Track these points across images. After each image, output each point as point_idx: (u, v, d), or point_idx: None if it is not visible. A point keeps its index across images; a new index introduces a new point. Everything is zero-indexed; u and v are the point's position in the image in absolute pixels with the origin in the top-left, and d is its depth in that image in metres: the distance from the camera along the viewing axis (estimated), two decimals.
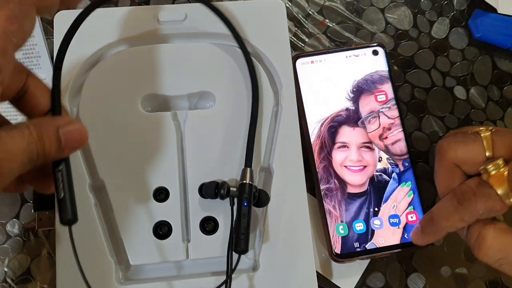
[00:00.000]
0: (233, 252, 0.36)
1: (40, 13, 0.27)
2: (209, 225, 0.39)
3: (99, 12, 0.41)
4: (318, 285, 0.39)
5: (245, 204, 0.36)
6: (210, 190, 0.37)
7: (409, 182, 0.42)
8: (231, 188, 0.37)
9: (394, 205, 0.41)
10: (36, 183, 0.30)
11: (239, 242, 0.36)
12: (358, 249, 0.40)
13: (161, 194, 0.39)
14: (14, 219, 0.41)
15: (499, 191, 0.32)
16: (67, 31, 0.32)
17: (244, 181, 0.37)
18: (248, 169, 0.38)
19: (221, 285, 0.36)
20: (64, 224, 0.29)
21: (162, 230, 0.38)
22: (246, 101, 0.41)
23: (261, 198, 0.38)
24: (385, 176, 0.41)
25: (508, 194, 0.32)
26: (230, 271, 0.36)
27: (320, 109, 0.42)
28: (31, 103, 0.29)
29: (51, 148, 0.27)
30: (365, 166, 0.42)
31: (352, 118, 0.42)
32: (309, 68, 0.43)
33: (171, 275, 0.39)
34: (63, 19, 0.41)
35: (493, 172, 0.33)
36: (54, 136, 0.27)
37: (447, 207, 0.35)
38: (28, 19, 0.26)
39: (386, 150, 0.42)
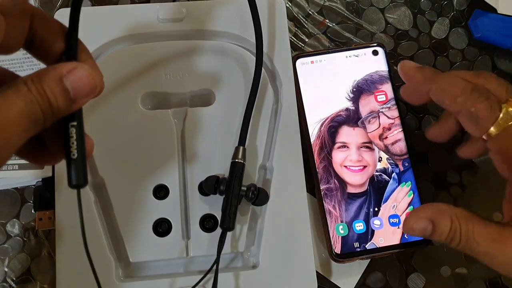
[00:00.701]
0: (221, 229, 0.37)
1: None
2: (209, 223, 0.39)
3: (99, 10, 0.42)
4: (318, 285, 0.39)
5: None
6: (210, 184, 0.37)
7: (409, 182, 0.42)
8: None
9: (394, 205, 0.41)
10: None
11: (225, 219, 0.36)
12: (358, 249, 0.40)
13: (161, 192, 0.39)
14: (14, 219, 0.41)
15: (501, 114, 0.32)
16: None
17: (236, 160, 0.37)
18: (241, 147, 0.38)
19: (212, 266, 0.36)
20: (74, 188, 0.26)
21: (162, 227, 0.38)
22: (245, 99, 0.41)
23: (260, 197, 0.38)
24: (385, 176, 0.41)
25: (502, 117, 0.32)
26: (219, 249, 0.37)
27: (320, 109, 0.42)
28: (43, 48, 0.26)
29: (59, 102, 0.23)
30: (365, 166, 0.42)
31: (352, 118, 0.42)
32: (309, 68, 0.43)
33: (171, 272, 0.39)
34: (63, 18, 0.41)
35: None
36: (58, 87, 0.23)
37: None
38: None
39: (386, 150, 0.42)
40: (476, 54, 0.47)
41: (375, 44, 0.44)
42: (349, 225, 0.40)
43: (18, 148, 0.23)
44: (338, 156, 0.42)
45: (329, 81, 0.43)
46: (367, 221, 0.40)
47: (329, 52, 0.44)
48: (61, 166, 0.38)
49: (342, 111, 0.42)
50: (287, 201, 0.39)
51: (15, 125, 0.22)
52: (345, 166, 0.41)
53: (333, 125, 0.42)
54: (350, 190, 0.41)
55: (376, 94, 0.43)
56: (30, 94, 0.23)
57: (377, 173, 0.41)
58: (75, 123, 0.25)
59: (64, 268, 0.37)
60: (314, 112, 0.42)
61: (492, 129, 0.33)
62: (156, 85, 0.41)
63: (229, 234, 0.38)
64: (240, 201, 0.37)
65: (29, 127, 0.23)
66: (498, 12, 0.45)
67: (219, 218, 0.38)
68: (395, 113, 0.43)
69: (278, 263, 0.38)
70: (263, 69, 0.42)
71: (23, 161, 0.39)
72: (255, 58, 0.42)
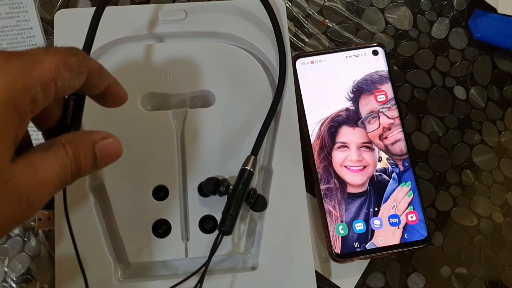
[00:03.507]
0: (218, 231, 0.37)
1: (86, 85, 0.26)
2: (208, 224, 0.39)
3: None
4: (318, 285, 0.39)
5: (241, 188, 0.37)
6: (210, 185, 0.37)
7: (409, 182, 0.42)
8: (230, 187, 0.37)
9: (394, 205, 0.41)
10: None
11: (224, 222, 0.36)
12: (358, 249, 0.40)
13: (161, 193, 0.39)
14: None
15: None
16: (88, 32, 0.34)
17: (246, 167, 0.37)
18: (253, 157, 0.38)
19: (202, 266, 0.36)
20: None
21: (161, 228, 0.38)
22: (245, 100, 0.41)
23: (259, 203, 0.38)
24: (385, 176, 0.41)
25: None
26: (212, 251, 0.36)
27: (320, 109, 0.42)
28: (43, 116, 0.28)
29: (87, 166, 0.26)
30: (365, 166, 0.42)
31: (352, 118, 0.42)
32: (309, 68, 0.43)
33: (170, 273, 0.39)
34: (63, 19, 0.41)
35: None
36: (90, 152, 0.26)
37: None
38: (78, 78, 0.25)
39: (386, 150, 0.42)
40: (476, 54, 0.47)
41: (375, 44, 0.44)
42: (349, 225, 0.40)
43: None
44: (338, 156, 0.42)
45: (329, 81, 0.43)
46: (367, 221, 0.40)
47: (329, 52, 0.44)
48: None
49: (342, 111, 0.42)
50: (287, 201, 0.39)
51: (50, 187, 0.24)
52: (345, 166, 0.41)
53: (333, 125, 0.42)
54: (350, 190, 0.41)
55: (376, 94, 0.43)
56: (66, 158, 0.24)
57: (377, 173, 0.41)
58: (75, 97, 0.28)
59: (63, 268, 0.37)
60: (314, 112, 0.42)
61: None
62: (156, 86, 0.41)
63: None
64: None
65: (58, 188, 0.25)
66: (498, 12, 0.45)
67: (218, 220, 0.38)
68: (395, 113, 0.43)
69: (278, 264, 0.38)
70: (262, 68, 0.42)
71: None
72: (255, 59, 0.42)
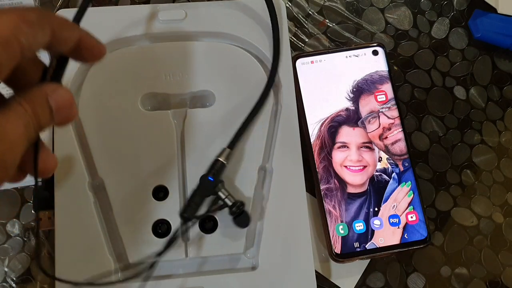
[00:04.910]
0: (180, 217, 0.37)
1: (56, 39, 0.26)
2: (208, 224, 0.39)
3: (99, 11, 0.42)
4: (318, 285, 0.39)
5: (210, 178, 0.37)
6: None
7: (409, 182, 0.42)
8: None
9: (394, 205, 0.41)
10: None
11: (187, 208, 0.36)
12: (358, 249, 0.40)
13: (161, 193, 0.39)
14: (14, 219, 0.41)
15: None
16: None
17: (219, 158, 0.37)
18: (228, 149, 0.38)
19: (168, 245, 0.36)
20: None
21: (161, 228, 0.38)
22: (245, 100, 0.41)
23: (242, 217, 0.38)
24: (385, 176, 0.41)
25: None
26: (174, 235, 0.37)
27: (320, 109, 0.42)
28: (22, 78, 0.27)
29: (45, 120, 0.26)
30: (365, 166, 0.42)
31: (352, 118, 0.42)
32: (309, 68, 0.43)
33: (170, 273, 0.39)
34: None
35: None
36: (46, 105, 0.25)
37: None
38: (42, 33, 0.25)
39: (386, 150, 0.42)
40: (476, 54, 0.47)
41: (375, 44, 0.44)
42: (349, 225, 0.40)
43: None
44: (338, 156, 0.42)
45: (329, 81, 0.43)
46: (367, 221, 0.40)
47: (329, 52, 0.44)
48: (61, 167, 0.38)
49: (342, 111, 0.42)
50: (287, 201, 0.39)
51: (20, 146, 0.24)
52: (345, 166, 0.41)
53: (333, 125, 0.42)
54: (350, 190, 0.41)
55: (376, 94, 0.43)
56: (27, 115, 0.24)
57: (377, 173, 0.41)
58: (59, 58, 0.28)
59: (63, 267, 0.37)
60: (314, 112, 0.42)
61: None
62: (156, 86, 0.41)
63: (228, 235, 0.38)
64: (219, 207, 0.37)
65: (26, 146, 0.25)
66: (498, 12, 0.45)
67: (218, 220, 0.38)
68: (395, 113, 0.43)
69: (278, 264, 0.38)
70: (262, 69, 0.42)
71: None
72: (255, 59, 0.42)
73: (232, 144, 0.38)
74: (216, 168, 0.37)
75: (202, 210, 0.39)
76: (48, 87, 0.26)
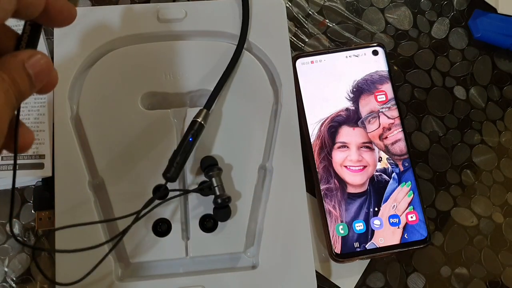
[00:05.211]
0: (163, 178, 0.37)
1: (21, 5, 0.25)
2: (208, 223, 0.39)
3: (99, 10, 0.42)
4: (318, 285, 0.39)
5: (190, 139, 0.37)
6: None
7: (409, 182, 0.42)
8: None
9: (394, 205, 0.41)
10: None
11: (170, 169, 0.36)
12: (358, 249, 0.40)
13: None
14: (14, 219, 0.41)
15: None
16: None
17: (197, 119, 0.38)
18: (205, 110, 0.39)
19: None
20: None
21: (161, 227, 0.38)
22: (245, 99, 0.41)
23: (223, 210, 0.38)
24: (385, 176, 0.41)
25: None
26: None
27: (320, 109, 0.42)
28: None
29: (25, 88, 0.25)
30: (365, 166, 0.42)
31: (352, 118, 0.42)
32: (309, 68, 0.43)
33: (170, 272, 0.39)
34: None
35: None
36: (24, 72, 0.25)
37: None
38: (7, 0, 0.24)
39: (386, 150, 0.42)
40: (476, 54, 0.47)
41: (375, 44, 0.44)
42: (349, 225, 0.40)
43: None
44: (338, 156, 0.42)
45: (329, 81, 0.43)
46: (367, 221, 0.40)
47: (329, 52, 0.44)
48: (61, 167, 0.38)
49: (342, 111, 0.42)
50: (287, 201, 0.39)
51: (5, 116, 0.24)
52: (345, 166, 0.41)
53: (333, 125, 0.42)
54: (350, 190, 0.41)
55: (376, 94, 0.43)
56: (5, 83, 0.24)
57: (377, 173, 0.41)
58: (31, 23, 0.27)
59: (63, 267, 0.37)
60: (314, 112, 0.42)
61: None
62: (156, 85, 0.41)
63: (228, 234, 0.38)
64: (206, 193, 0.38)
65: (10, 115, 0.25)
66: (498, 12, 0.45)
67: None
68: (395, 113, 0.43)
69: (278, 264, 0.38)
70: (262, 68, 0.42)
71: (23, 161, 0.39)
72: (255, 58, 0.42)
73: (209, 105, 0.39)
74: (195, 129, 0.38)
75: (202, 209, 0.39)
76: (24, 54, 0.26)
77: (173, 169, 0.36)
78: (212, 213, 0.39)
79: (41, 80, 0.26)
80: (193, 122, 0.38)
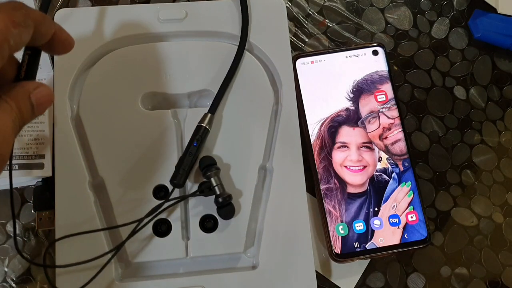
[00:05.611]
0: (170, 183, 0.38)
1: (34, 36, 0.27)
2: (208, 223, 0.39)
3: (99, 10, 0.42)
4: (318, 285, 0.39)
5: (195, 144, 0.38)
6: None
7: (409, 182, 0.42)
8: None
9: (394, 205, 0.41)
10: None
11: (176, 175, 0.37)
12: (358, 249, 0.40)
13: (161, 192, 0.39)
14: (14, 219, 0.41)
15: None
16: None
17: (202, 124, 0.38)
18: (209, 114, 0.39)
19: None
20: None
21: (161, 228, 0.38)
22: (245, 99, 0.41)
23: (227, 208, 0.38)
24: (385, 176, 0.41)
25: None
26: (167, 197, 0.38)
27: (320, 109, 0.42)
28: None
29: (28, 116, 0.28)
30: (365, 166, 0.42)
31: (352, 118, 0.42)
32: (309, 68, 0.43)
33: (171, 272, 0.39)
34: (63, 18, 0.41)
35: None
36: (28, 102, 0.27)
37: None
38: (27, 32, 0.26)
39: (386, 150, 0.42)
40: (476, 54, 0.47)
41: (375, 44, 0.44)
42: (349, 225, 0.40)
43: None
44: (338, 156, 0.42)
45: (329, 81, 0.43)
46: (367, 221, 0.40)
47: (329, 52, 0.44)
48: (61, 167, 0.38)
49: (342, 111, 0.42)
50: (287, 201, 0.39)
51: (10, 140, 0.26)
52: (345, 166, 0.41)
53: (333, 125, 0.42)
54: (350, 190, 0.41)
55: (376, 94, 0.43)
56: (13, 112, 0.26)
57: (377, 173, 0.41)
58: (29, 52, 0.29)
59: (64, 274, 0.37)
60: (314, 112, 0.42)
61: None
62: (156, 85, 0.41)
63: (228, 234, 0.38)
64: (207, 193, 0.38)
65: (13, 140, 0.27)
66: (498, 12, 0.45)
67: (219, 219, 0.38)
68: (395, 113, 0.43)
69: (278, 264, 0.38)
70: (263, 68, 0.42)
71: (23, 161, 0.39)
72: (255, 59, 0.42)
73: (213, 109, 0.39)
74: (200, 134, 0.38)
75: (202, 210, 0.39)
76: (30, 85, 0.28)
77: (180, 175, 0.37)
78: (212, 213, 0.39)
79: (41, 110, 0.29)
80: (198, 127, 0.38)
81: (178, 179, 0.37)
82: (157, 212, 0.37)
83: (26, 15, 0.26)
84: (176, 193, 0.39)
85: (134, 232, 0.36)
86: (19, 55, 0.29)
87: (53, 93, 0.30)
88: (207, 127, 0.38)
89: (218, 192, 0.38)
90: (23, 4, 0.27)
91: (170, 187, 0.39)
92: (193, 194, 0.38)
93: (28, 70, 0.29)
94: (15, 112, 0.26)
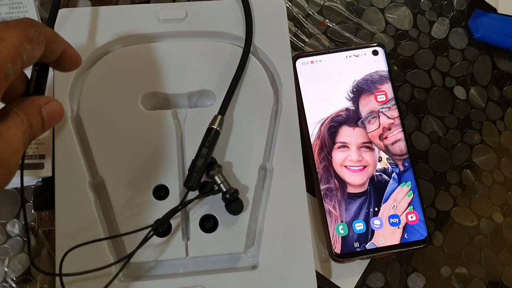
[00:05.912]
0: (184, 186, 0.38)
1: (45, 52, 0.28)
2: (208, 223, 0.39)
3: (99, 10, 0.42)
4: (318, 285, 0.39)
5: (206, 145, 0.38)
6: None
7: (409, 182, 0.42)
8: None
9: (394, 205, 0.41)
10: None
11: (190, 178, 0.37)
12: (358, 249, 0.40)
13: (161, 192, 0.39)
14: (14, 219, 0.41)
15: None
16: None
17: (212, 126, 0.38)
18: (220, 116, 0.39)
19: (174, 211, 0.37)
20: None
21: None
22: (245, 99, 0.41)
23: (233, 205, 0.38)
24: (385, 176, 0.41)
25: None
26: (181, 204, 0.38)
27: (320, 109, 0.42)
28: (10, 89, 0.29)
29: (38, 129, 0.28)
30: (365, 166, 0.42)
31: (352, 118, 0.42)
32: (309, 68, 0.43)
33: (171, 272, 0.39)
34: (63, 18, 0.41)
35: None
36: (39, 117, 0.28)
37: None
38: (39, 48, 0.27)
39: (386, 150, 0.42)
40: (476, 54, 0.47)
41: (375, 44, 0.44)
42: (349, 225, 0.40)
43: None
44: (338, 156, 0.42)
45: (329, 81, 0.43)
46: (367, 221, 0.40)
47: (329, 52, 0.44)
48: (61, 167, 0.38)
49: (342, 111, 0.42)
50: (287, 201, 0.39)
51: (20, 152, 0.27)
52: (345, 166, 0.41)
53: (333, 125, 0.42)
54: (350, 190, 0.41)
55: (376, 94, 0.43)
56: (23, 125, 0.27)
57: (377, 173, 0.41)
58: (37, 68, 0.31)
59: (63, 267, 0.37)
60: (314, 112, 0.42)
61: None
62: (157, 85, 0.41)
63: (228, 234, 0.38)
64: (214, 192, 0.38)
65: (23, 153, 0.28)
66: (498, 12, 0.45)
67: (219, 219, 0.38)
68: (395, 113, 0.43)
69: (278, 264, 0.38)
70: (263, 68, 0.42)
71: None
72: (255, 59, 0.42)
73: (223, 110, 0.39)
74: (211, 136, 0.38)
75: (202, 210, 0.39)
76: (41, 100, 0.29)
77: (193, 178, 0.37)
78: (212, 213, 0.39)
79: (51, 124, 0.30)
80: (209, 129, 0.38)
81: (192, 182, 0.37)
82: (170, 216, 0.37)
83: (39, 32, 0.27)
84: (176, 195, 0.39)
85: (146, 239, 0.36)
86: (27, 71, 0.30)
87: (63, 108, 0.30)
88: (218, 128, 0.38)
89: (224, 189, 0.38)
90: (37, 22, 0.28)
91: (169, 187, 0.39)
92: (200, 196, 0.38)
93: (37, 85, 0.30)
94: (25, 125, 0.27)
